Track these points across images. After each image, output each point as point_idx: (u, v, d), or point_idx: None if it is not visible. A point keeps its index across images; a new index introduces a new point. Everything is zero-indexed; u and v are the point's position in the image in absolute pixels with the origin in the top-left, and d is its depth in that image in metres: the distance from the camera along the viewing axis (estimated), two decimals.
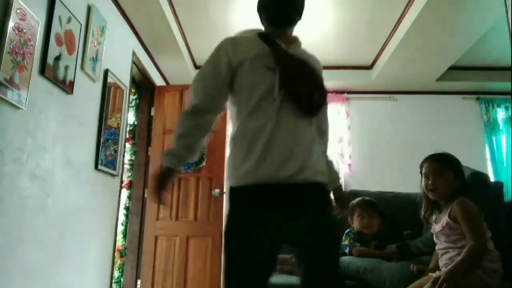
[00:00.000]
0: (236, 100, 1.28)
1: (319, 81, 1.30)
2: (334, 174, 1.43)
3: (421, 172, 1.81)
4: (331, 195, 1.40)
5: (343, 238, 2.26)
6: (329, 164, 1.41)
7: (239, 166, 1.19)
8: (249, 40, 1.31)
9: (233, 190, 1.22)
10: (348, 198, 1.54)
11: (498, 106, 4.68)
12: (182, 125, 1.30)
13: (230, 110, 1.34)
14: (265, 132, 1.18)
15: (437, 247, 1.72)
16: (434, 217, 1.76)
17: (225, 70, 1.27)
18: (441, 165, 1.73)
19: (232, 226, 1.19)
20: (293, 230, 1.18)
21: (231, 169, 1.24)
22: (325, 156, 1.39)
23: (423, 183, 1.78)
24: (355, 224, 2.27)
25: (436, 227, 1.71)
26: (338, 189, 1.46)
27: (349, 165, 4.50)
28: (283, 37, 1.33)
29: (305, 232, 1.18)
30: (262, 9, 1.37)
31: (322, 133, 1.37)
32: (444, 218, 1.66)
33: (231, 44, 1.30)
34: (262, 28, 1.39)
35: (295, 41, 1.38)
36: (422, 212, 1.81)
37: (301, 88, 1.24)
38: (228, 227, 1.20)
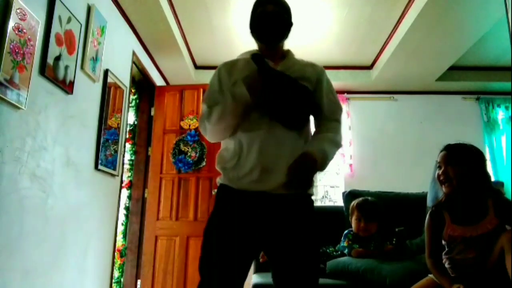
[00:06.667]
0: None
1: (297, 96, 1.36)
2: (316, 145, 1.37)
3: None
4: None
5: (342, 239, 2.26)
6: (323, 141, 1.39)
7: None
8: (243, 62, 1.45)
9: None
10: (303, 166, 1.30)
11: (498, 106, 4.68)
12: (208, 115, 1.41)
13: None
14: (256, 144, 1.31)
15: (459, 255, 1.59)
16: (447, 218, 1.65)
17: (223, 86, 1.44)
18: (453, 154, 1.64)
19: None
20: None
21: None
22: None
23: (436, 174, 1.69)
24: (353, 225, 2.25)
25: (467, 231, 1.58)
26: (304, 153, 1.32)
27: (350, 165, 4.51)
28: (274, 53, 1.45)
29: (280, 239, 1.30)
30: (252, 29, 1.47)
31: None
32: (488, 221, 1.55)
33: (226, 68, 1.47)
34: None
35: (287, 55, 1.48)
36: (433, 208, 1.70)
37: (277, 105, 1.33)
38: None
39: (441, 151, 1.71)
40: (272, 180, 1.30)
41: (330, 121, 1.46)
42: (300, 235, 1.30)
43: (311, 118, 1.49)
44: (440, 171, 1.65)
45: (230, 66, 1.48)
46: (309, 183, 1.35)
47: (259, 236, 1.31)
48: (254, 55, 1.39)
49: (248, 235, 1.29)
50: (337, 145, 1.43)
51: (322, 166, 1.35)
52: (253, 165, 1.31)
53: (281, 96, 1.34)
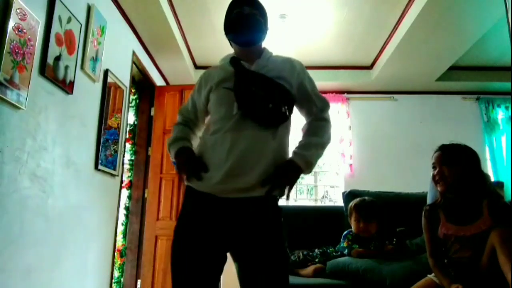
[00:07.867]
0: (209, 119, 1.47)
1: (271, 93, 1.34)
2: (299, 151, 1.37)
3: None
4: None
5: (341, 240, 2.25)
6: (303, 147, 1.39)
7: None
8: (220, 67, 1.48)
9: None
10: (285, 173, 1.32)
11: (498, 106, 4.68)
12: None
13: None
14: (223, 145, 1.30)
15: (456, 255, 1.60)
16: (442, 217, 1.66)
17: (196, 99, 1.53)
18: (448, 154, 1.64)
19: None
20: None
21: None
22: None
23: (431, 175, 1.69)
24: (353, 226, 2.24)
25: (460, 230, 1.58)
26: (287, 161, 1.35)
27: (350, 165, 4.51)
28: (249, 54, 1.44)
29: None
30: (227, 31, 1.46)
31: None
32: (482, 222, 1.55)
33: (204, 77, 1.51)
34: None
35: (261, 54, 1.46)
36: (428, 207, 1.71)
37: (251, 102, 1.32)
38: None
39: (435, 151, 1.71)
40: (237, 182, 1.27)
41: (318, 120, 1.44)
42: (260, 238, 1.26)
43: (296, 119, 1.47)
44: (435, 172, 1.66)
45: (208, 73, 1.50)
46: (285, 188, 1.33)
47: (220, 238, 1.29)
48: (232, 58, 1.43)
49: (209, 237, 1.28)
50: (323, 146, 1.41)
51: (306, 172, 1.37)
52: (214, 166, 1.31)
53: (254, 93, 1.32)
